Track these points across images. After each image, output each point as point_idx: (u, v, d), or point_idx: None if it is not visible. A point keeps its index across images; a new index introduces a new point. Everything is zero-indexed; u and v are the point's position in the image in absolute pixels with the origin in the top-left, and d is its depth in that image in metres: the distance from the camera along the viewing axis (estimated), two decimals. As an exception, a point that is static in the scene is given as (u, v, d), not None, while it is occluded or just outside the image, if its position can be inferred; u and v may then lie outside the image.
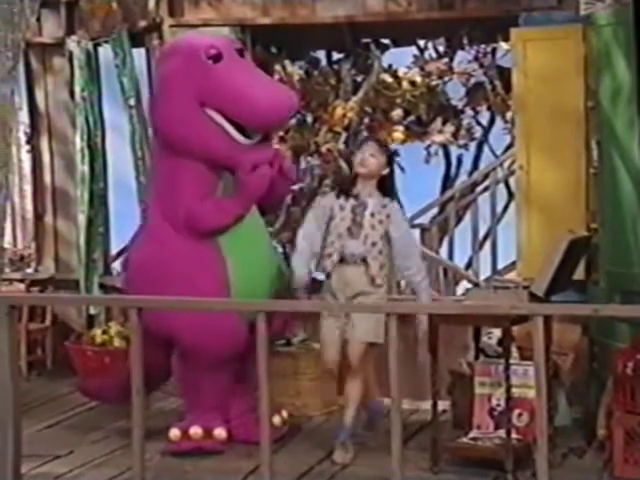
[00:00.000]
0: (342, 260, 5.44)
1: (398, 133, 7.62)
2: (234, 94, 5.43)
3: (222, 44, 5.61)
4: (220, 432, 5.60)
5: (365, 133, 7.83)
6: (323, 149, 7.50)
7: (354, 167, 5.53)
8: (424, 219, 7.98)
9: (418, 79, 7.60)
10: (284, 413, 5.83)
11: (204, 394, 5.63)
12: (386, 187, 5.51)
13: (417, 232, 7.60)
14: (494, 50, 7.45)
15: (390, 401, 3.68)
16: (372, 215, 5.44)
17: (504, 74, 7.19)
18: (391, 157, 5.63)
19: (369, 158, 5.45)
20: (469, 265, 7.91)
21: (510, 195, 8.48)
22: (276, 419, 5.67)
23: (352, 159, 5.61)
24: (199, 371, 5.58)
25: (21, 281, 7.86)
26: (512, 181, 7.78)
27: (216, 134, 5.49)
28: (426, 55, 7.85)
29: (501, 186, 8.14)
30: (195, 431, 5.56)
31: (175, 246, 5.59)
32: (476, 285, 6.80)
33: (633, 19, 5.61)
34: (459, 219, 8.22)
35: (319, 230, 5.48)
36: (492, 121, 8.72)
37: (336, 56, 7.94)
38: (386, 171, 5.50)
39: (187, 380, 5.70)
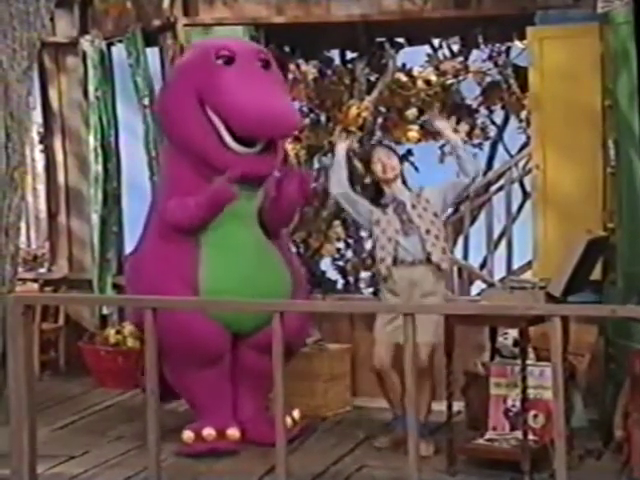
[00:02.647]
0: (400, 262, 5.50)
1: (413, 132, 7.59)
2: (230, 99, 5.36)
3: (240, 49, 5.53)
4: (233, 432, 5.59)
5: (379, 133, 7.81)
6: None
7: (379, 176, 5.62)
8: (438, 219, 7.94)
9: (433, 78, 7.56)
10: (295, 414, 5.80)
11: (201, 395, 5.61)
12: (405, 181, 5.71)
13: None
14: (509, 49, 7.41)
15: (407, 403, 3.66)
16: (413, 207, 5.57)
17: (519, 73, 7.15)
18: (397, 153, 5.84)
19: (388, 161, 5.60)
20: (484, 265, 7.88)
21: (525, 195, 8.44)
22: (287, 420, 5.64)
23: (372, 170, 5.71)
24: (184, 373, 5.58)
25: (34, 281, 7.87)
26: (527, 180, 7.76)
27: (209, 134, 5.43)
28: (440, 54, 7.82)
29: (516, 185, 8.10)
30: (209, 432, 5.55)
31: (153, 243, 5.64)
32: (491, 285, 6.77)
33: (634, 19, 5.59)
34: (474, 219, 8.18)
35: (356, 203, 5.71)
36: (506, 120, 8.68)
37: (350, 55, 7.91)
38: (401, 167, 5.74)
39: (179, 383, 5.68)
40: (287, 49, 7.60)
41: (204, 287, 5.47)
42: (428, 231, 5.54)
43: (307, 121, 7.42)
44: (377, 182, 5.69)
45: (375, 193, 5.70)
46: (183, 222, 5.46)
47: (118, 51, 7.62)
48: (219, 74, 5.42)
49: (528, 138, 7.22)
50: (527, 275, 6.80)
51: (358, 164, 7.55)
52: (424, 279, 5.53)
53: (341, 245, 7.58)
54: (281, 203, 5.68)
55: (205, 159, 5.45)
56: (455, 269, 7.79)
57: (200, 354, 5.51)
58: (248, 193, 5.57)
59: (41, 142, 8.31)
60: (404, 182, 5.71)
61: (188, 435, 5.57)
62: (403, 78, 7.62)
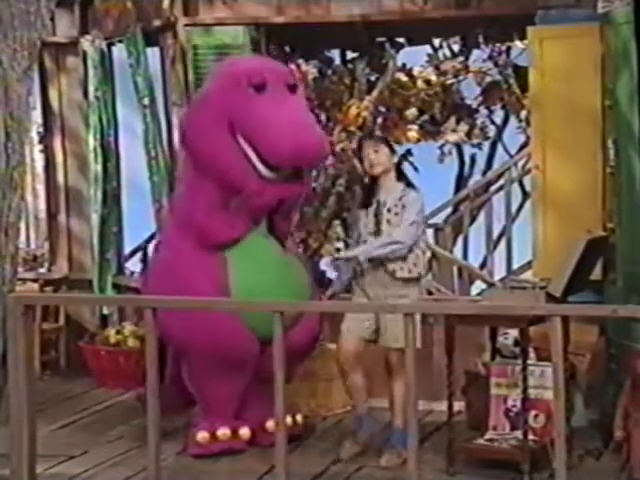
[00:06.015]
0: (372, 262, 5.41)
1: (412, 132, 7.60)
2: (263, 129, 5.33)
3: (270, 74, 5.49)
4: (245, 431, 5.61)
5: (379, 133, 7.81)
6: (337, 149, 7.47)
7: (367, 172, 5.53)
8: (438, 219, 7.95)
9: (433, 78, 7.58)
10: (298, 417, 5.80)
11: (219, 397, 5.61)
12: (403, 175, 5.55)
13: (431, 232, 7.57)
14: (509, 49, 7.42)
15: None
16: (389, 210, 5.43)
17: (520, 73, 7.16)
18: (391, 145, 5.60)
19: (374, 155, 5.44)
20: (483, 265, 7.88)
21: (524, 194, 8.46)
22: (288, 420, 5.63)
23: (362, 164, 5.61)
24: (207, 374, 5.57)
25: (35, 281, 7.87)
26: (526, 180, 7.76)
27: (241, 161, 5.40)
28: (440, 54, 7.83)
29: (515, 185, 8.11)
30: (223, 432, 5.56)
31: (181, 253, 5.64)
32: (491, 285, 6.77)
33: (634, 19, 5.59)
34: (473, 219, 8.19)
35: None
36: (506, 120, 8.70)
37: (350, 55, 7.92)
38: (395, 159, 5.52)
39: (200, 384, 5.68)
40: (287, 49, 7.62)
41: (235, 290, 5.46)
42: (390, 236, 5.39)
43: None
44: (372, 179, 5.53)
45: (369, 193, 5.56)
46: (229, 236, 5.50)
47: (118, 51, 7.62)
48: (251, 102, 5.40)
49: (528, 138, 7.23)
50: (527, 275, 6.80)
51: (358, 164, 7.57)
52: (381, 278, 5.41)
53: (341, 245, 7.59)
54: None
55: (234, 184, 5.44)
56: (455, 269, 7.80)
57: (230, 358, 5.49)
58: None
59: (41, 142, 8.31)
60: (404, 179, 5.54)
61: (202, 435, 5.56)
62: (403, 78, 7.64)
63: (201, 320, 5.26)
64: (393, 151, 5.54)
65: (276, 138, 5.29)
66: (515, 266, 7.49)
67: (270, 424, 5.36)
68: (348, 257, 5.52)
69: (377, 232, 5.43)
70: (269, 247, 5.65)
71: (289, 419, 5.62)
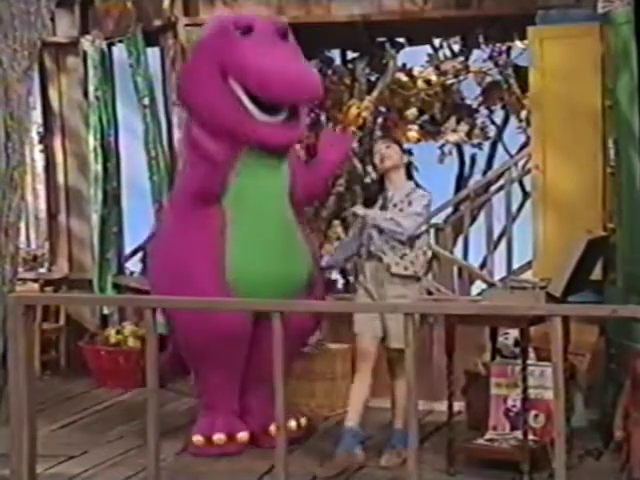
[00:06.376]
0: (371, 258, 5.43)
1: (413, 132, 7.60)
2: (252, 65, 5.35)
3: (257, 20, 5.54)
4: (243, 435, 5.60)
5: (379, 132, 7.81)
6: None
7: (378, 167, 5.54)
8: (438, 219, 7.95)
9: (433, 78, 7.58)
10: (302, 420, 5.80)
11: (218, 389, 5.60)
12: (412, 176, 5.59)
13: (431, 232, 7.57)
14: (509, 49, 7.42)
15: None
16: (395, 205, 5.45)
17: (520, 73, 7.16)
18: (402, 146, 5.68)
19: (386, 151, 5.47)
20: (483, 265, 7.88)
21: (525, 195, 8.45)
22: (292, 423, 5.62)
23: (373, 162, 5.62)
24: (208, 368, 5.56)
25: (35, 281, 7.87)
26: (527, 180, 7.76)
27: (234, 105, 5.40)
28: (440, 54, 7.83)
29: (515, 185, 8.10)
30: (219, 437, 5.54)
31: (176, 224, 5.63)
32: (491, 285, 6.77)
33: (634, 19, 5.59)
34: (473, 219, 8.18)
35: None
36: (506, 120, 8.69)
37: (351, 55, 7.92)
38: (405, 159, 5.57)
39: (201, 379, 5.69)
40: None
41: (231, 265, 5.45)
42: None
43: (307, 121, 7.42)
44: (381, 178, 5.57)
45: (378, 190, 5.60)
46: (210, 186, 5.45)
47: (118, 51, 7.62)
48: (239, 44, 5.42)
49: (528, 138, 7.22)
50: (527, 275, 6.79)
51: (358, 164, 7.56)
52: (377, 272, 5.41)
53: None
54: (322, 170, 5.81)
55: (230, 130, 5.42)
56: (455, 269, 7.80)
57: (222, 330, 5.42)
58: (272, 167, 5.54)
59: (41, 142, 8.32)
60: (412, 179, 5.59)
61: (198, 439, 5.56)
62: (403, 78, 7.64)
63: (192, 294, 5.16)
64: (404, 152, 5.62)
65: (265, 72, 5.31)
66: (515, 266, 7.49)
67: (273, 427, 5.33)
68: (358, 214, 5.54)
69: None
70: (274, 214, 5.56)
71: (293, 423, 5.61)
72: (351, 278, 7.45)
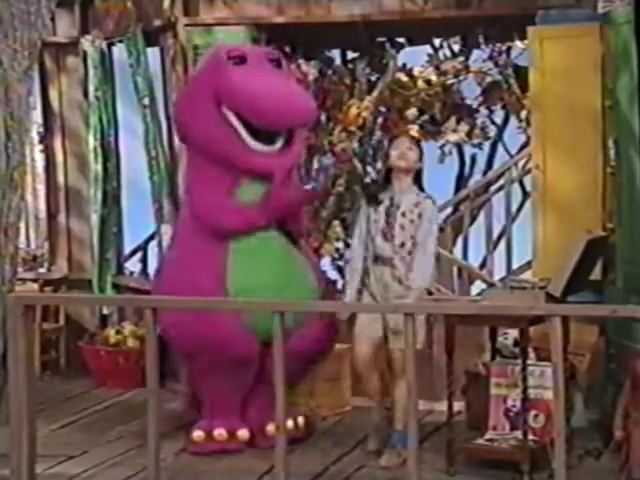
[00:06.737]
0: (380, 261, 5.42)
1: (413, 132, 7.59)
2: (244, 93, 5.42)
3: (250, 50, 5.69)
4: (243, 433, 5.61)
5: (379, 133, 7.81)
6: (337, 149, 7.47)
7: (392, 163, 5.48)
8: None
9: (433, 78, 7.58)
10: (300, 420, 5.79)
11: (219, 397, 5.60)
12: (421, 181, 5.53)
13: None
14: (509, 49, 7.41)
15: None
16: (403, 215, 5.42)
17: (520, 73, 7.15)
18: (422, 151, 5.61)
19: (407, 152, 5.45)
20: (483, 265, 7.88)
21: (525, 194, 8.45)
22: (289, 423, 5.61)
23: (387, 157, 5.57)
24: (206, 374, 5.57)
25: (34, 281, 7.87)
26: (527, 180, 7.76)
27: (230, 136, 5.47)
28: (440, 54, 7.83)
29: (515, 185, 8.10)
30: (219, 432, 5.56)
31: (186, 246, 5.68)
32: (491, 285, 6.77)
33: (634, 19, 5.59)
34: (473, 219, 8.18)
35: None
36: (506, 120, 8.69)
37: (351, 55, 7.92)
38: (419, 165, 5.53)
39: (200, 383, 5.69)
40: (288, 49, 7.60)
41: (232, 289, 5.47)
42: (402, 244, 5.40)
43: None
44: (388, 172, 5.53)
45: (381, 187, 5.57)
46: (239, 227, 5.49)
47: (118, 51, 7.62)
48: (232, 72, 5.50)
49: (528, 138, 7.22)
50: (527, 275, 6.79)
51: (358, 164, 7.56)
52: (390, 282, 5.40)
53: (340, 245, 7.59)
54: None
55: (228, 160, 5.48)
56: (455, 269, 7.80)
57: (228, 356, 5.47)
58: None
59: (41, 142, 8.32)
60: (420, 186, 5.52)
61: (198, 434, 5.57)
62: (404, 78, 7.64)
63: (199, 316, 5.24)
64: (421, 159, 5.54)
65: (257, 98, 5.37)
66: (515, 266, 7.49)
67: (270, 427, 5.34)
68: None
69: (389, 235, 5.41)
70: (275, 245, 5.61)
71: (290, 422, 5.61)
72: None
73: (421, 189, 5.53)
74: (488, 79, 7.62)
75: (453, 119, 8.00)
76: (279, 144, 5.52)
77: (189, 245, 5.67)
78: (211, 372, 5.55)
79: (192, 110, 5.61)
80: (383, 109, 7.75)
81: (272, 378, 5.19)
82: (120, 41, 7.50)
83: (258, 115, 5.39)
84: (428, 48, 7.89)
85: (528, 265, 7.03)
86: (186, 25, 7.15)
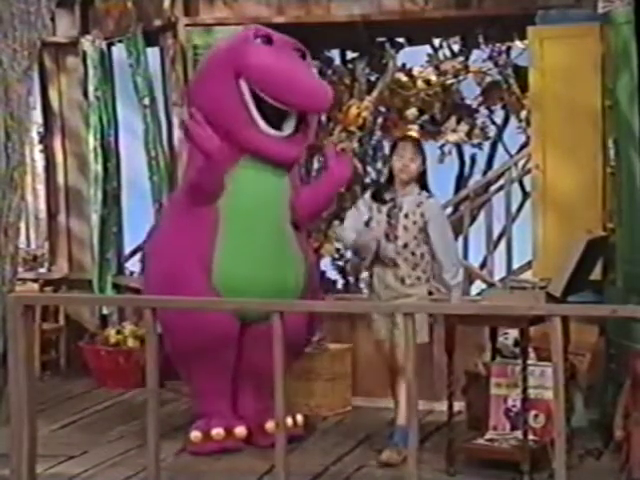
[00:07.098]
0: (381, 262, 5.42)
1: (412, 132, 7.59)
2: (265, 67, 5.39)
3: (277, 36, 5.60)
4: (241, 430, 5.60)
5: (379, 133, 7.81)
6: (337, 148, 7.47)
7: (394, 172, 5.49)
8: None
9: (433, 78, 7.58)
10: (299, 417, 5.79)
11: (208, 391, 5.60)
12: (424, 181, 5.53)
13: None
14: (509, 49, 7.42)
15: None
16: (406, 216, 5.43)
17: (520, 73, 7.15)
18: (424, 154, 5.60)
19: (410, 165, 5.45)
20: (483, 265, 7.88)
21: (524, 195, 8.45)
22: (287, 420, 5.61)
23: (390, 159, 5.59)
24: (192, 363, 5.56)
25: (34, 281, 7.87)
26: (527, 180, 7.76)
27: (238, 109, 5.39)
28: (440, 54, 7.83)
29: (515, 185, 8.10)
30: (217, 432, 5.55)
31: (172, 222, 5.66)
32: (491, 285, 6.77)
33: (634, 19, 5.59)
34: (473, 219, 8.19)
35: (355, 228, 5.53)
36: (506, 120, 8.69)
37: (350, 55, 7.92)
38: (423, 168, 5.52)
39: (191, 381, 5.69)
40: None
41: (217, 269, 5.44)
42: (405, 245, 5.40)
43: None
44: (391, 173, 5.53)
45: (386, 183, 5.58)
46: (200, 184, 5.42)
47: (118, 51, 7.62)
48: (259, 49, 5.47)
49: (528, 138, 7.22)
50: (527, 275, 6.79)
51: (358, 164, 7.56)
52: (392, 282, 5.42)
53: (340, 245, 7.59)
54: (325, 187, 5.74)
55: (233, 137, 5.41)
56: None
57: (207, 336, 5.41)
58: (274, 177, 5.53)
59: (41, 142, 8.31)
60: (425, 186, 5.51)
61: (195, 435, 5.56)
62: (403, 78, 7.64)
63: (178, 295, 5.13)
64: (424, 162, 5.53)
65: (277, 74, 5.35)
66: (515, 266, 7.50)
67: (270, 425, 5.34)
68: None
69: (392, 236, 5.41)
70: (269, 223, 5.53)
71: (289, 420, 5.61)
72: (350, 279, 7.47)
73: (427, 190, 5.52)
74: (488, 79, 7.62)
75: (453, 119, 8.01)
76: (287, 131, 5.48)
77: (177, 223, 5.59)
78: (194, 355, 5.50)
79: (206, 76, 5.55)
80: (383, 109, 7.75)
81: (254, 360, 5.20)
82: (120, 41, 7.50)
83: (275, 92, 5.35)
84: (428, 48, 7.89)
85: (528, 265, 7.03)
86: (186, 25, 7.15)
